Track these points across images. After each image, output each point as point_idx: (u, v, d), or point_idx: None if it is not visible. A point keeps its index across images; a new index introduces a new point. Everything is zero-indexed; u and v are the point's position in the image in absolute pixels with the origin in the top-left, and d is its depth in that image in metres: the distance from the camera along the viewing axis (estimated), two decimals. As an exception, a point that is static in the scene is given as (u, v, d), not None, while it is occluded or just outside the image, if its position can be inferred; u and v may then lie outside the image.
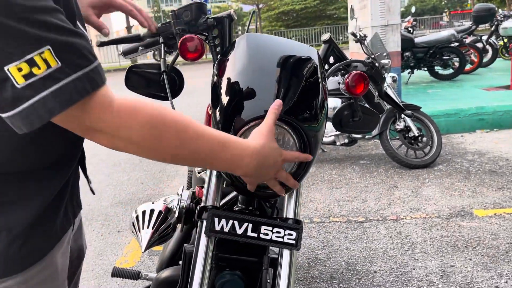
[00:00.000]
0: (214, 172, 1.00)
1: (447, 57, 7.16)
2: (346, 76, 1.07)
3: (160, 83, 1.12)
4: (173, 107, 0.99)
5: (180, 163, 0.77)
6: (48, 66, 0.60)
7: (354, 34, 3.94)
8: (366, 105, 1.23)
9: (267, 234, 0.94)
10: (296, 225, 0.96)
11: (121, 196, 3.84)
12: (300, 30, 26.28)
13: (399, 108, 3.61)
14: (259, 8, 29.10)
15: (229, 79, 0.97)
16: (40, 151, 0.78)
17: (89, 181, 1.03)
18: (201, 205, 0.97)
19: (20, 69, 0.59)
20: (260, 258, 1.16)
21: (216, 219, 0.93)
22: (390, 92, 3.82)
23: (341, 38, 24.94)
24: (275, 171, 0.88)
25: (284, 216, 1.00)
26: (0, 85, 0.60)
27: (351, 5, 5.55)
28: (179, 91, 1.13)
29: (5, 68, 0.59)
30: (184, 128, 0.73)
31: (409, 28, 7.81)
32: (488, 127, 5.10)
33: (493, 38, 8.55)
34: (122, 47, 1.17)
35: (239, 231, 0.94)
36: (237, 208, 1.06)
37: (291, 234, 0.95)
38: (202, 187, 1.19)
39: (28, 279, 0.79)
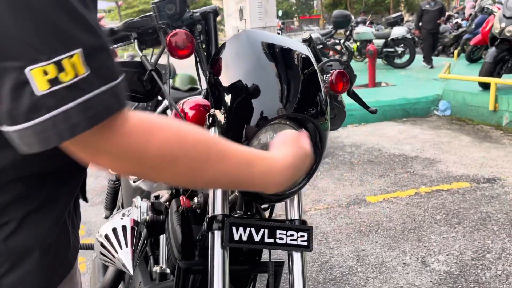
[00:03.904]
0: None
1: (314, 59, 7.77)
2: (329, 75, 1.09)
3: (137, 82, 0.99)
4: (171, 105, 0.89)
5: (199, 187, 0.69)
6: (76, 72, 0.48)
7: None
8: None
9: (282, 239, 0.92)
10: (307, 226, 0.95)
11: None
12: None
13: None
14: (119, 5, 27.79)
15: (230, 78, 0.91)
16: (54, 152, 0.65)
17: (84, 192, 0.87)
18: (209, 216, 0.89)
19: (45, 73, 0.47)
20: (250, 265, 1.12)
21: (234, 228, 0.87)
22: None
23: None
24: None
25: (290, 218, 0.99)
26: (16, 91, 0.47)
27: (240, 6, 5.65)
28: (159, 91, 1.02)
29: (27, 69, 0.46)
30: (205, 150, 0.62)
31: (278, 31, 8.26)
32: (357, 122, 5.68)
33: (348, 42, 9.53)
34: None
35: (257, 238, 0.89)
36: (236, 215, 1.00)
37: (303, 236, 0.93)
38: (187, 196, 1.09)
39: None
